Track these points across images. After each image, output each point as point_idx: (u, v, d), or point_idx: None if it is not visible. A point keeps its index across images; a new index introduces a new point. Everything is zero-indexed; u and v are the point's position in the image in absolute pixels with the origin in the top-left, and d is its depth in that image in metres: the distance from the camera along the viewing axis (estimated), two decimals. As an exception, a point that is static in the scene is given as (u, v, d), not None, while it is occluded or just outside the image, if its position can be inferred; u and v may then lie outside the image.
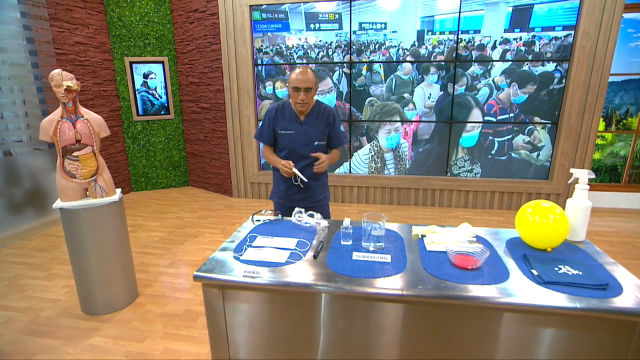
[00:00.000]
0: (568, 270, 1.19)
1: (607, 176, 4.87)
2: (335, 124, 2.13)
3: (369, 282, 1.17)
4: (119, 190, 2.52)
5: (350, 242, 1.43)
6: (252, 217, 1.72)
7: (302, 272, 1.25)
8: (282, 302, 1.27)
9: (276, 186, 2.23)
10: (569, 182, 1.37)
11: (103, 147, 4.76)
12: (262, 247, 1.42)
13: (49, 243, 3.56)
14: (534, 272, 1.19)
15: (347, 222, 1.42)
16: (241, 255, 1.37)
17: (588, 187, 1.38)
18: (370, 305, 1.19)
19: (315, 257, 1.34)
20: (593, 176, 1.36)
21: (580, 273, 1.18)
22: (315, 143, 2.07)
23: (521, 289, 1.12)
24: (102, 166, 2.39)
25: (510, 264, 1.28)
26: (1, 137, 3.60)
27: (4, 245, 3.52)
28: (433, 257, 1.32)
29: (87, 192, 2.38)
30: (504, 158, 4.29)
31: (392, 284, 1.16)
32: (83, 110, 2.31)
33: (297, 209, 1.64)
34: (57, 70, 2.13)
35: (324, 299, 1.22)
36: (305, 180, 1.98)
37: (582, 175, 1.37)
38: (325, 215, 2.22)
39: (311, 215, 1.61)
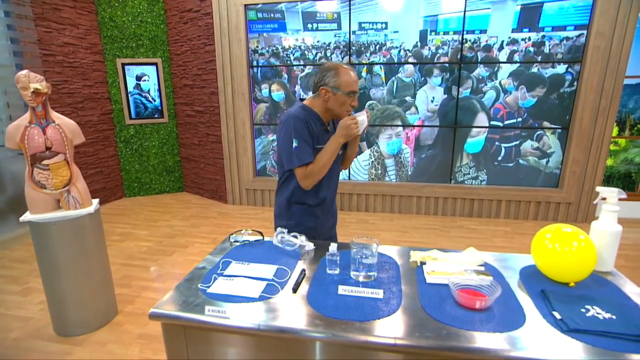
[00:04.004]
0: (598, 313, 0.98)
1: (620, 184, 4.62)
2: None
3: (356, 327, 0.97)
4: (95, 201, 2.34)
5: (337, 271, 1.23)
6: (230, 238, 1.52)
7: (277, 311, 1.05)
8: (254, 346, 1.07)
9: (301, 223, 1.62)
10: (594, 202, 1.16)
11: (93, 152, 4.60)
12: (235, 276, 1.22)
13: (30, 253, 3.38)
14: (556, 315, 0.98)
15: (333, 247, 1.22)
16: (209, 286, 1.17)
17: (618, 208, 1.17)
18: (357, 354, 0.99)
19: (294, 290, 1.14)
20: (624, 195, 1.15)
21: (614, 317, 0.97)
22: (340, 152, 1.65)
23: (541, 338, 0.91)
24: (76, 175, 2.20)
25: (526, 302, 1.07)
26: (-17, 142, 3.43)
27: (-15, 255, 3.35)
28: (434, 293, 1.11)
29: (60, 204, 2.20)
30: (511, 165, 4.07)
31: (383, 329, 0.96)
32: (55, 115, 2.13)
33: (279, 229, 1.45)
34: (24, 72, 1.96)
35: (302, 344, 1.02)
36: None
37: (611, 194, 1.16)
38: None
39: (295, 237, 1.41)
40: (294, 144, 1.48)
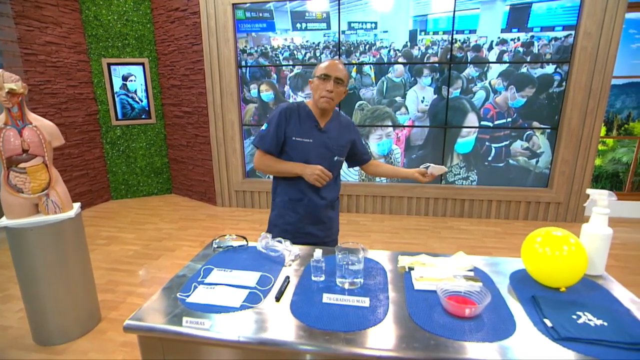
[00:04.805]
0: (589, 320, 0.95)
1: (608, 183, 4.66)
2: (359, 136, 1.80)
3: (340, 338, 0.93)
4: (76, 205, 2.26)
5: (322, 278, 1.19)
6: (213, 243, 1.47)
7: (259, 321, 1.00)
8: (235, 358, 1.02)
9: (281, 216, 1.68)
10: (584, 204, 1.14)
11: (79, 153, 4.50)
12: (216, 284, 1.17)
13: (10, 258, 3.26)
14: (547, 322, 0.95)
15: (318, 253, 1.18)
16: (188, 296, 1.12)
17: (608, 210, 1.15)
18: (342, 366, 0.95)
19: (277, 299, 1.09)
20: (614, 198, 1.13)
21: (605, 324, 0.94)
22: (335, 158, 1.66)
23: (532, 347, 0.88)
24: (55, 179, 2.13)
25: (516, 308, 1.04)
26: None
27: (-37, 261, 3.23)
28: (422, 300, 1.07)
29: (39, 208, 2.12)
30: (501, 165, 4.07)
31: (369, 340, 0.92)
32: (32, 116, 2.05)
33: (263, 234, 1.40)
34: (-2, 71, 1.88)
35: (285, 356, 0.97)
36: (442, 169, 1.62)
37: (601, 197, 1.14)
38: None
39: (279, 242, 1.37)
40: (263, 127, 1.61)
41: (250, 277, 1.21)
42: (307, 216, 1.66)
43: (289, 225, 1.67)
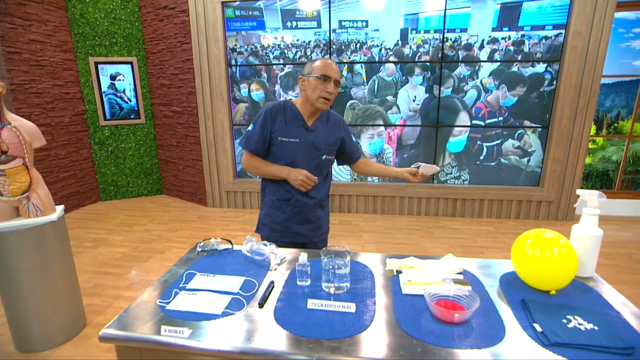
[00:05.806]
0: (580, 324, 0.93)
1: (598, 182, 4.69)
2: (349, 134, 1.76)
3: (324, 346, 0.89)
4: (59, 208, 2.20)
5: (307, 282, 1.15)
6: (197, 246, 1.42)
7: (240, 329, 0.96)
8: (216, 367, 0.98)
9: (269, 215, 1.68)
10: (575, 205, 1.12)
11: (65, 154, 4.41)
12: (198, 290, 1.13)
13: (-6, 263, 3.20)
14: (537, 327, 0.93)
15: (303, 257, 1.14)
16: (168, 302, 1.08)
17: (598, 211, 1.13)
18: (326, 374, 0.91)
19: (260, 305, 1.05)
20: (604, 198, 1.11)
21: (596, 328, 0.92)
22: (324, 157, 1.62)
23: (522, 354, 0.86)
24: (37, 181, 2.07)
25: (506, 313, 1.01)
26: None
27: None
28: (409, 305, 1.04)
29: (20, 212, 2.06)
30: (493, 164, 4.07)
31: (354, 348, 0.89)
32: (11, 116, 1.99)
33: (248, 237, 1.36)
34: (-25, 70, 1.81)
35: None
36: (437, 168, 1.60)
37: (592, 197, 1.12)
38: None
39: (265, 245, 1.33)
40: (249, 127, 1.60)
41: (234, 282, 1.17)
42: (294, 216, 1.65)
43: (276, 224, 1.67)
